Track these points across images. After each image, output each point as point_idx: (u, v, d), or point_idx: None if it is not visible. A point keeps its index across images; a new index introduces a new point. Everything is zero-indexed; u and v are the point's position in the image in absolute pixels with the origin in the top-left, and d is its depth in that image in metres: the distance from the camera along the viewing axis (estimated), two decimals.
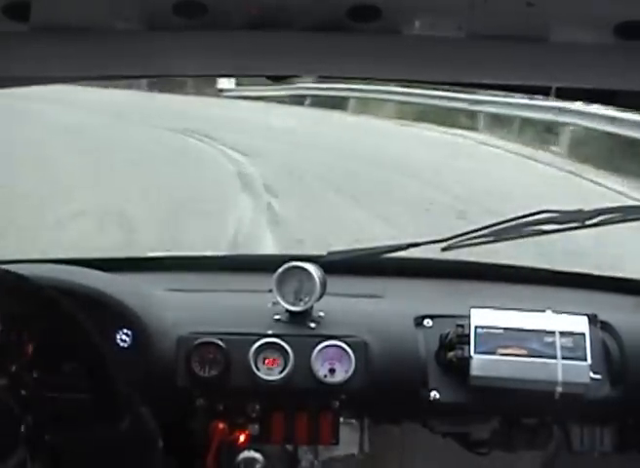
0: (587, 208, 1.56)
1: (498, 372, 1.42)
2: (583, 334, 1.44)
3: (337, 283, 1.53)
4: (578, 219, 1.52)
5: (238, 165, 7.55)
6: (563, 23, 0.98)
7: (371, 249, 1.66)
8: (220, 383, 1.44)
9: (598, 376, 1.43)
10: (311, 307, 1.50)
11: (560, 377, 1.41)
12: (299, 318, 1.50)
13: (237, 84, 14.22)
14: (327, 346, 1.45)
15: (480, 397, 1.45)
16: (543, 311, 1.48)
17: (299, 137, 9.14)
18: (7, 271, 1.24)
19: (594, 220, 1.51)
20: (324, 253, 1.66)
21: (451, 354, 1.46)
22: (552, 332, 1.44)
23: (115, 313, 1.43)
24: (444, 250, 1.58)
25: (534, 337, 1.43)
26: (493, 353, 1.43)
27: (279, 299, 1.49)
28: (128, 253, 3.91)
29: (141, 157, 7.63)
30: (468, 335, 1.44)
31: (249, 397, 1.46)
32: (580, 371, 1.42)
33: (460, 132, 9.86)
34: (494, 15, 0.97)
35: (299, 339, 1.46)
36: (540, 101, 8.56)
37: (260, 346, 1.44)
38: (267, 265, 1.54)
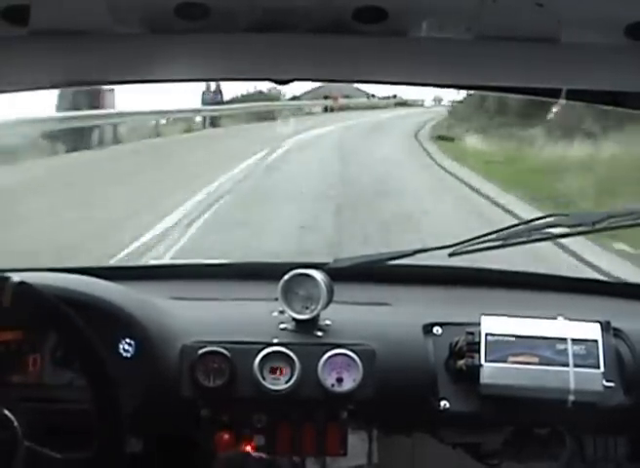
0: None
1: (509, 381, 1.40)
2: (596, 342, 1.41)
3: (343, 290, 1.51)
4: (586, 223, 1.50)
5: None
6: (573, 24, 0.96)
7: (377, 255, 1.64)
8: (226, 393, 1.42)
9: (611, 384, 1.40)
10: (318, 315, 1.48)
11: (572, 385, 1.38)
12: (305, 326, 1.47)
13: None
14: (334, 355, 1.42)
15: (491, 406, 1.42)
16: (555, 318, 1.45)
17: None
18: (9, 279, 1.22)
19: (603, 224, 1.48)
20: (330, 260, 1.64)
21: (461, 362, 1.44)
22: (564, 340, 1.41)
23: (118, 322, 1.41)
24: (451, 255, 1.56)
25: (545, 345, 1.41)
26: (504, 361, 1.40)
27: (285, 307, 1.47)
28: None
29: None
30: (479, 343, 1.42)
31: (254, 407, 1.43)
32: (593, 379, 1.39)
33: None
34: (503, 16, 0.95)
35: (305, 348, 1.43)
36: None
37: (265, 355, 1.42)
38: (273, 273, 1.51)
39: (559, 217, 1.52)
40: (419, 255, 1.60)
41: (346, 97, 21.55)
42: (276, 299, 1.47)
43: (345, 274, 1.58)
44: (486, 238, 1.54)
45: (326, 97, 20.63)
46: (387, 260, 1.62)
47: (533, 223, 1.54)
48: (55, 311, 1.19)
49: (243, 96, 18.48)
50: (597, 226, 1.48)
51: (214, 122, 15.95)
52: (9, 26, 0.94)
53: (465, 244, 1.54)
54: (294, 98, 20.43)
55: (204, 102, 15.21)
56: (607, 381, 1.39)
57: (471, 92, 13.67)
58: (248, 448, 1.43)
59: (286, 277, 1.46)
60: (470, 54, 1.01)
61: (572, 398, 1.38)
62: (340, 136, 14.54)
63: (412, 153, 12.26)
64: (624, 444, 1.54)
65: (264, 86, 18.56)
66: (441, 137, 13.85)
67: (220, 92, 15.89)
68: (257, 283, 1.66)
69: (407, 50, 1.02)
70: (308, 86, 19.23)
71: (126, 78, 1.07)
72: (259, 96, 18.15)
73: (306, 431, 1.44)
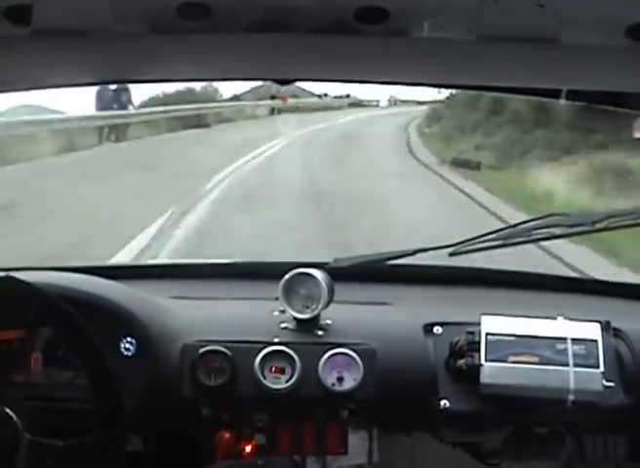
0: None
1: (509, 380, 1.40)
2: (596, 341, 1.42)
3: (344, 290, 1.51)
4: (586, 223, 1.50)
5: None
6: (574, 25, 0.97)
7: (378, 255, 1.64)
8: (226, 392, 1.42)
9: (611, 384, 1.40)
10: (318, 315, 1.48)
11: (572, 385, 1.39)
12: (306, 326, 1.48)
13: None
14: (335, 354, 1.43)
15: (491, 405, 1.42)
16: (555, 318, 1.45)
17: None
18: (11, 278, 1.22)
19: (603, 224, 1.49)
20: (330, 260, 1.64)
21: (461, 362, 1.44)
22: (564, 339, 1.41)
23: (119, 321, 1.42)
24: (451, 255, 1.56)
25: (545, 345, 1.41)
26: (504, 360, 1.41)
27: (286, 307, 1.47)
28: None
29: None
30: (479, 343, 1.42)
31: (255, 406, 1.44)
32: (593, 379, 1.39)
33: None
34: (504, 16, 0.95)
35: (306, 347, 1.44)
36: None
37: (266, 354, 1.42)
38: (274, 272, 1.52)
39: (559, 217, 1.52)
40: (419, 255, 1.60)
41: (294, 96, 18.59)
42: (277, 299, 1.47)
43: (346, 273, 1.59)
44: (486, 238, 1.54)
45: (273, 98, 16.12)
46: (388, 260, 1.62)
47: (533, 223, 1.54)
48: (56, 308, 1.19)
49: (165, 95, 13.32)
50: (597, 226, 1.48)
51: (117, 134, 11.36)
52: (11, 26, 0.94)
53: (465, 244, 1.55)
54: (234, 99, 16.04)
55: (100, 106, 10.69)
56: (607, 381, 1.40)
57: (454, 92, 12.14)
58: (248, 448, 1.43)
59: (287, 276, 1.47)
60: (471, 54, 1.01)
61: (572, 397, 1.39)
62: (305, 161, 9.85)
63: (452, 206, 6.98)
64: (624, 444, 1.54)
65: (198, 84, 14.01)
66: (458, 163, 9.52)
67: (128, 90, 11.08)
68: (257, 282, 1.67)
69: (408, 50, 1.02)
70: (250, 85, 15.02)
71: (128, 78, 1.08)
72: (191, 95, 13.49)
73: (307, 430, 1.44)
